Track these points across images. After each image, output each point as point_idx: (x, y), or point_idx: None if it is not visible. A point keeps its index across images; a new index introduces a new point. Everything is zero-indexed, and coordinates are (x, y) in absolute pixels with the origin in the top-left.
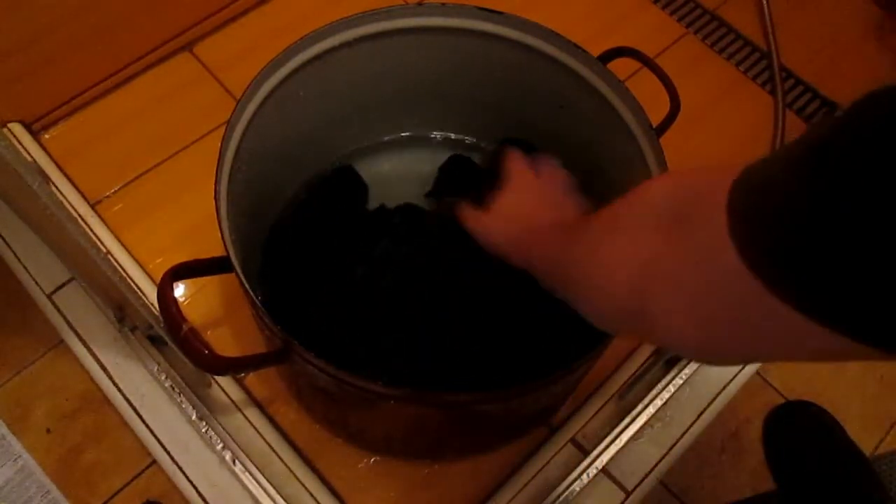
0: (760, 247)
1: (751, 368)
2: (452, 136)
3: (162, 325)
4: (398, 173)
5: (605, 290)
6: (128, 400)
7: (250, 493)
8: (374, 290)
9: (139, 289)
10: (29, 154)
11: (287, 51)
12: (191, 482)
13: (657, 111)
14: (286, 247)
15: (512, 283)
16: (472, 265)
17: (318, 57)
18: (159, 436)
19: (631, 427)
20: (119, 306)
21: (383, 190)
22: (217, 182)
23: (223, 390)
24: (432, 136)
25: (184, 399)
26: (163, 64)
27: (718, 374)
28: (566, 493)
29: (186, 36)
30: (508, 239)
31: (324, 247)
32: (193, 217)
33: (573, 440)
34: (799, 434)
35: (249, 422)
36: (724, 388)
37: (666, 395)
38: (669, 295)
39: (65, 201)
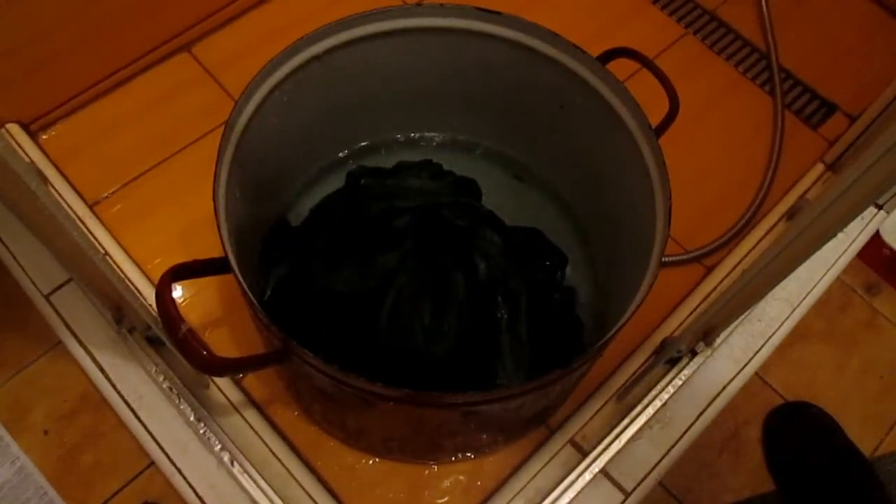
0: None
1: (750, 369)
2: (452, 136)
3: (160, 326)
4: None
5: None
6: (126, 401)
7: (249, 494)
8: (374, 305)
9: (137, 290)
10: (27, 155)
11: (286, 51)
12: (189, 484)
13: (656, 111)
14: (286, 248)
15: (511, 306)
16: (473, 282)
17: (316, 57)
18: (157, 437)
19: (630, 428)
20: (117, 307)
21: None
22: (216, 183)
23: (222, 391)
24: (432, 136)
25: (182, 400)
26: (161, 64)
27: (718, 375)
28: (565, 494)
29: (185, 36)
30: None
31: (325, 252)
32: (192, 218)
33: (572, 441)
34: (799, 435)
35: (248, 423)
36: (724, 389)
37: (665, 395)
38: None
39: (63, 202)
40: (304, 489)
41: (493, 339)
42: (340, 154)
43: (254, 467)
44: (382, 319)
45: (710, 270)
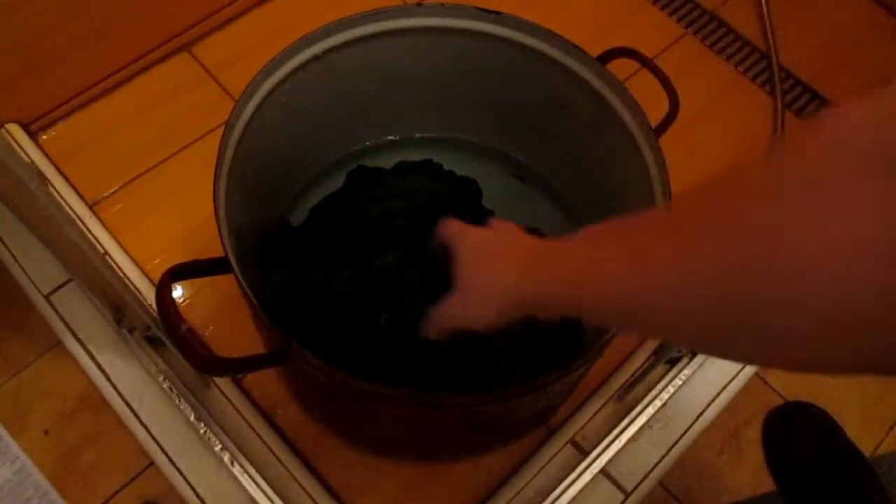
0: None
1: (750, 369)
2: (452, 136)
3: (160, 325)
4: None
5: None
6: (126, 401)
7: (249, 494)
8: (374, 305)
9: (137, 290)
10: (27, 155)
11: (286, 51)
12: (189, 483)
13: (656, 111)
14: (286, 248)
15: None
16: None
17: (316, 57)
18: (157, 437)
19: (630, 428)
20: (117, 307)
21: None
22: (216, 182)
23: (222, 391)
24: (432, 136)
25: (182, 400)
26: (161, 64)
27: (718, 375)
28: (565, 493)
29: (185, 36)
30: (509, 289)
31: (325, 252)
32: (192, 218)
33: (572, 441)
34: (799, 435)
35: (248, 423)
36: (724, 389)
37: (665, 395)
38: None
39: (63, 202)
40: (303, 488)
41: (492, 339)
42: (340, 154)
43: (254, 467)
44: (382, 320)
45: None
